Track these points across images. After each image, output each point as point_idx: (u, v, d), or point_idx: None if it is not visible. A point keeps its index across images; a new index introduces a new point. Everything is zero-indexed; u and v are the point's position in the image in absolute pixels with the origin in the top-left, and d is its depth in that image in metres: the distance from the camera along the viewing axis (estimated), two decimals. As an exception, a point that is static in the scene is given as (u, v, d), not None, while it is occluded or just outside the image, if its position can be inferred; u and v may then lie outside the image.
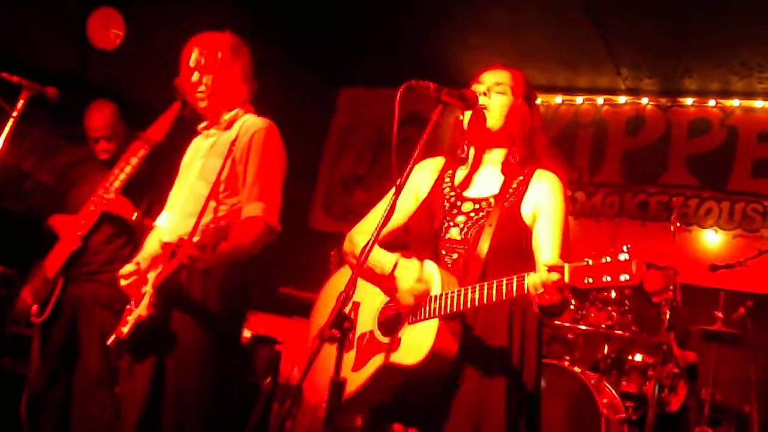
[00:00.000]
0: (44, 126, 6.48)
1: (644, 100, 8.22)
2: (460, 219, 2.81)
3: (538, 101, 3.03)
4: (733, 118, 7.83)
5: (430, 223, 2.84)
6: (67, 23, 6.44)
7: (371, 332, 2.76)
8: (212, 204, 3.43)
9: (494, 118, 2.83)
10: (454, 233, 2.79)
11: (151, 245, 3.64)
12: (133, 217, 4.43)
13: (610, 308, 5.73)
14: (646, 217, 7.81)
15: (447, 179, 2.95)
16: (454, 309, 2.52)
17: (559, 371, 5.40)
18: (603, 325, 5.72)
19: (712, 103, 7.93)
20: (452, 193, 2.89)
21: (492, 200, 2.80)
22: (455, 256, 2.76)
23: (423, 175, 2.99)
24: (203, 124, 3.70)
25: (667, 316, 5.36)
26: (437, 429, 2.65)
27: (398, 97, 2.45)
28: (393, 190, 2.46)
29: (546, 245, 2.68)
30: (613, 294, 5.68)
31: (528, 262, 2.67)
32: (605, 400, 5.27)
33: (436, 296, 2.57)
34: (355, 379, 2.68)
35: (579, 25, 6.97)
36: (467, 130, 2.88)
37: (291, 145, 3.64)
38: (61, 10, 6.41)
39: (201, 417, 3.35)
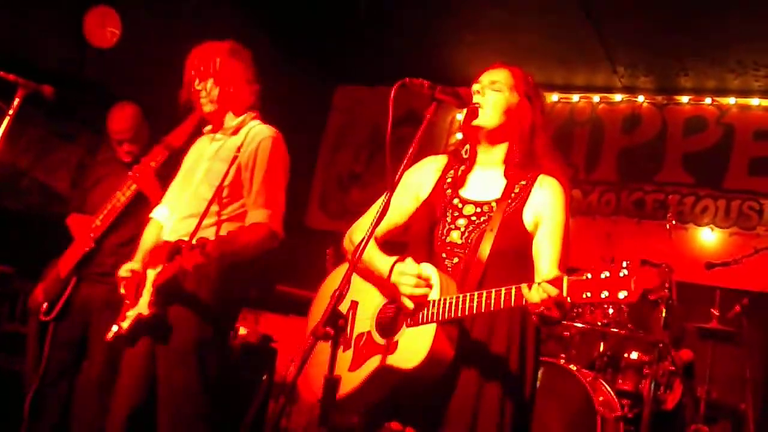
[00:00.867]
0: (40, 124, 6.47)
1: (640, 98, 8.22)
2: (462, 222, 2.80)
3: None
4: (729, 115, 7.84)
5: (430, 224, 2.83)
6: (64, 21, 6.43)
7: (369, 333, 2.75)
8: (215, 208, 3.48)
9: (487, 116, 2.82)
10: (455, 237, 2.78)
11: (148, 239, 3.67)
12: (149, 216, 4.42)
13: (605, 306, 5.73)
14: (643, 215, 7.82)
15: (449, 179, 2.93)
16: (452, 315, 2.51)
17: (555, 369, 5.40)
18: (599, 323, 5.72)
19: (708, 101, 7.94)
20: (454, 195, 2.88)
21: (494, 204, 2.79)
22: (456, 260, 2.75)
23: (424, 174, 2.97)
24: (208, 128, 3.75)
25: (663, 314, 5.37)
26: (433, 426, 2.65)
27: (392, 95, 2.44)
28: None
29: (546, 255, 2.67)
30: (611, 310, 5.68)
31: (528, 269, 2.68)
32: (601, 398, 5.28)
33: (434, 301, 2.56)
34: (352, 380, 2.67)
35: (575, 23, 6.98)
36: (462, 128, 2.88)
37: (288, 143, 3.67)
38: (57, 8, 6.40)
39: (192, 407, 3.39)
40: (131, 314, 3.43)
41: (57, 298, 4.53)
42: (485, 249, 2.70)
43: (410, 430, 2.71)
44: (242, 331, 5.68)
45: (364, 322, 2.79)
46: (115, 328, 3.50)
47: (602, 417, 5.15)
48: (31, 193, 6.61)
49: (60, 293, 4.54)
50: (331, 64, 8.95)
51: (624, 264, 2.16)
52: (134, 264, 3.54)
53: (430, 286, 2.59)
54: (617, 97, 8.33)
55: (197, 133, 3.97)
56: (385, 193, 2.46)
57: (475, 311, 2.46)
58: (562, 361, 5.51)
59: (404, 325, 2.64)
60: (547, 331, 5.92)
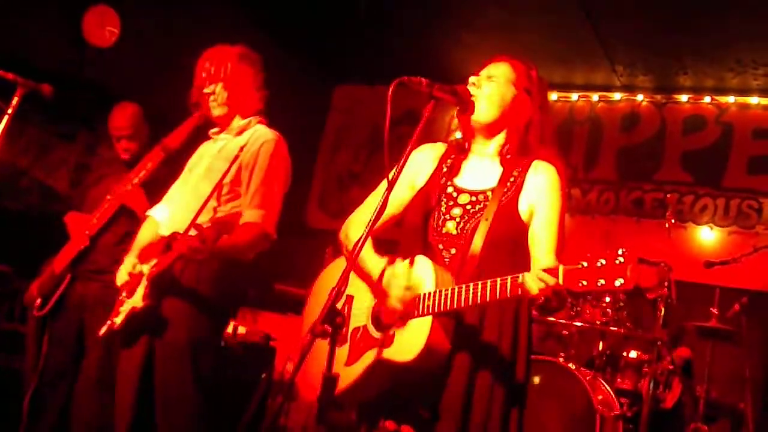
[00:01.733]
0: (39, 124, 6.48)
1: (639, 97, 8.23)
2: (457, 212, 2.79)
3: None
4: (728, 114, 7.84)
5: (425, 213, 2.83)
6: (63, 21, 6.43)
7: (365, 327, 2.75)
8: (212, 203, 3.49)
9: (480, 108, 2.81)
10: (451, 227, 2.77)
11: (144, 236, 3.68)
12: (145, 213, 4.44)
13: (605, 305, 5.73)
14: (641, 214, 7.82)
15: (445, 169, 2.92)
16: (448, 307, 2.51)
17: (554, 368, 5.40)
18: (598, 322, 5.72)
19: (707, 99, 7.94)
20: (449, 185, 2.87)
21: (489, 193, 2.79)
22: (453, 251, 2.75)
23: (421, 163, 2.95)
24: (215, 130, 3.79)
25: (662, 313, 5.37)
26: (428, 424, 2.65)
27: (390, 93, 2.43)
28: (386, 182, 2.45)
29: (542, 244, 2.67)
30: (608, 299, 5.68)
31: (524, 258, 2.68)
32: (600, 397, 5.28)
33: (430, 293, 2.55)
34: (348, 374, 2.67)
35: (574, 22, 6.98)
36: (460, 123, 2.88)
37: (287, 142, 3.68)
38: (56, 7, 6.41)
39: (186, 404, 3.40)
40: (125, 309, 3.44)
41: (51, 293, 4.54)
42: (480, 239, 2.69)
43: (406, 428, 2.71)
44: (241, 329, 5.68)
45: (360, 316, 2.78)
46: (107, 323, 3.50)
47: (601, 416, 5.15)
48: (30, 192, 6.62)
49: (54, 289, 4.55)
50: (330, 63, 8.95)
51: (620, 252, 2.16)
52: (130, 260, 3.54)
53: (416, 294, 2.59)
54: (616, 96, 8.33)
55: (195, 135, 3.99)
56: (383, 189, 2.46)
57: (471, 302, 2.46)
58: (561, 360, 5.51)
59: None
60: (545, 329, 5.93)
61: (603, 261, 2.18)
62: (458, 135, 2.96)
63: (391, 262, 2.72)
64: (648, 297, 6.42)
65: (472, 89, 2.81)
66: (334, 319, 2.24)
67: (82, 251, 4.54)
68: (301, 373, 2.29)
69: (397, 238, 2.95)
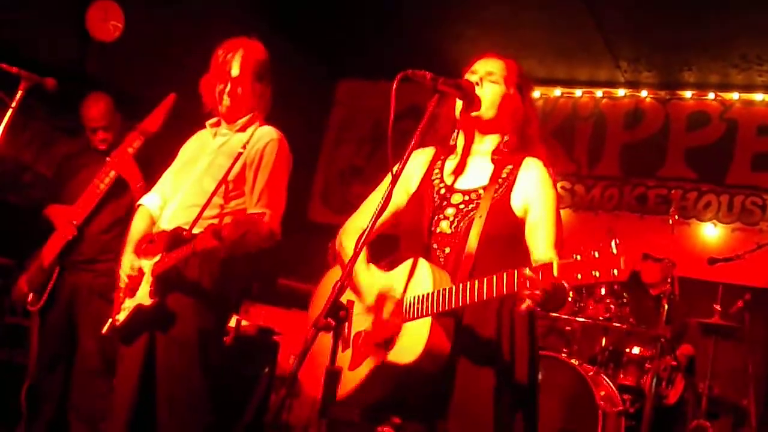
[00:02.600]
0: (43, 118, 6.48)
1: (643, 93, 8.21)
2: (450, 212, 2.78)
3: (537, 93, 3.02)
4: (733, 111, 7.83)
5: (420, 216, 2.82)
6: (67, 15, 6.43)
7: (366, 331, 2.74)
8: (218, 200, 3.49)
9: (485, 108, 2.80)
10: (444, 226, 2.76)
11: (137, 227, 3.66)
12: (138, 186, 4.43)
13: (608, 300, 5.73)
14: (645, 210, 7.82)
15: (437, 170, 2.92)
16: (447, 307, 2.50)
17: (556, 364, 5.41)
18: (601, 318, 5.72)
19: (711, 96, 7.92)
20: (442, 185, 2.86)
21: (481, 191, 2.78)
22: (447, 250, 2.74)
23: (413, 166, 2.95)
24: (213, 120, 3.75)
25: (666, 309, 5.37)
26: (433, 424, 2.66)
27: (394, 86, 2.42)
28: (387, 180, 2.45)
29: (541, 239, 2.66)
30: (603, 290, 5.68)
31: (520, 254, 2.67)
32: (603, 393, 5.28)
33: (428, 294, 2.54)
34: (352, 378, 2.66)
35: (578, 18, 6.97)
36: (459, 120, 2.87)
37: (290, 137, 3.67)
38: (60, 1, 6.41)
39: (193, 397, 3.40)
40: (128, 305, 3.42)
41: (41, 287, 4.56)
42: (475, 237, 2.68)
43: (412, 424, 2.70)
44: (244, 323, 5.69)
45: (362, 320, 2.77)
46: (110, 321, 3.49)
47: (604, 412, 5.15)
48: (33, 186, 6.62)
49: (44, 283, 4.56)
50: (333, 58, 8.94)
51: (613, 243, 2.14)
52: (131, 258, 3.54)
53: (399, 328, 2.60)
54: (620, 92, 8.32)
55: (172, 116, 3.96)
56: (381, 188, 2.44)
57: (468, 301, 2.45)
58: (564, 356, 5.52)
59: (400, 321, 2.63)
60: (548, 324, 5.93)
61: (597, 253, 2.16)
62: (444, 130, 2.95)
63: (387, 268, 2.73)
64: (651, 293, 6.42)
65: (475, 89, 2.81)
66: (338, 313, 2.23)
67: (69, 242, 4.54)
68: (304, 369, 2.28)
69: (395, 234, 2.95)
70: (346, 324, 2.66)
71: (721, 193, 7.66)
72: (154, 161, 4.09)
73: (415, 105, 4.10)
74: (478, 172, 2.85)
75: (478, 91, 2.79)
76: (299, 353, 2.20)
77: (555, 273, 2.23)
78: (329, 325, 2.22)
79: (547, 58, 7.84)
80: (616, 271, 2.12)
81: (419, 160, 2.97)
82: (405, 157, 2.50)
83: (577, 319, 5.72)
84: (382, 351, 2.62)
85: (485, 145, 2.89)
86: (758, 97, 7.75)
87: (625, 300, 5.76)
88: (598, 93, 8.41)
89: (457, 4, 7.18)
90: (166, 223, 3.55)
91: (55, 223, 4.64)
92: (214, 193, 3.47)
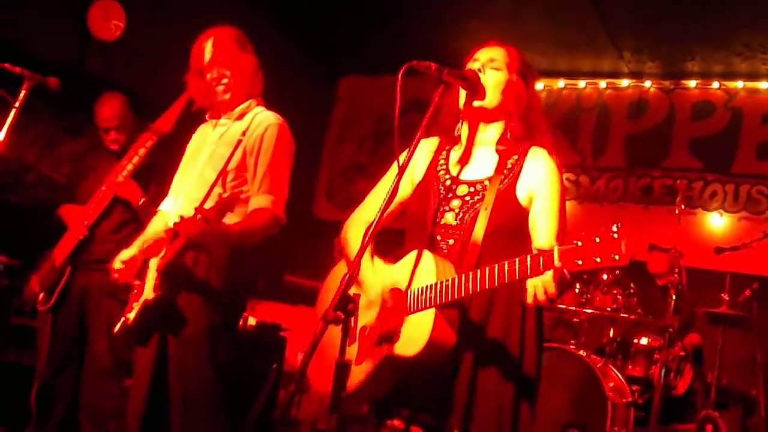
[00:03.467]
0: (46, 118, 6.48)
1: (647, 83, 8.19)
2: (455, 203, 2.78)
3: (540, 85, 3.01)
4: (737, 99, 7.80)
5: (425, 207, 2.81)
6: (68, 14, 6.43)
7: (371, 324, 2.74)
8: (218, 190, 3.47)
9: (488, 95, 2.80)
10: (450, 218, 2.76)
11: (152, 229, 3.67)
12: (140, 202, 4.44)
13: (615, 291, 5.72)
14: (650, 201, 7.79)
15: (442, 161, 2.91)
16: (450, 298, 2.48)
17: (564, 355, 5.40)
18: (608, 309, 5.71)
19: (715, 85, 7.90)
20: (447, 176, 2.86)
21: (487, 182, 2.77)
22: (451, 241, 2.73)
23: (418, 157, 2.93)
24: (212, 113, 3.74)
25: (673, 299, 5.35)
26: (440, 415, 2.65)
27: (400, 77, 2.41)
28: (392, 171, 2.44)
29: (542, 228, 2.65)
30: (605, 276, 5.66)
31: (525, 244, 2.66)
32: (611, 384, 5.27)
33: (432, 285, 2.53)
34: (359, 372, 2.66)
35: (580, 9, 6.95)
36: (463, 109, 2.85)
37: (294, 134, 3.66)
38: (61, 1, 6.40)
39: (206, 396, 3.40)
40: (138, 303, 3.43)
41: (53, 287, 4.56)
42: (480, 228, 2.68)
43: (415, 429, 2.70)
44: (251, 320, 5.69)
45: (366, 314, 2.78)
46: (121, 320, 3.50)
47: (612, 403, 5.14)
48: (36, 187, 6.62)
49: (56, 282, 4.56)
50: (335, 55, 8.92)
51: (614, 228, 2.13)
52: (130, 250, 3.54)
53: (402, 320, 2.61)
54: (624, 83, 8.30)
55: (185, 117, 3.96)
56: (386, 180, 2.44)
57: (471, 291, 2.44)
58: (572, 347, 5.51)
59: (404, 316, 2.62)
60: (556, 316, 5.92)
61: (597, 239, 2.15)
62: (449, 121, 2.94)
63: (392, 261, 2.72)
64: (658, 284, 6.41)
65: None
66: (346, 306, 2.22)
67: (80, 242, 4.55)
68: (312, 365, 2.27)
69: (400, 227, 2.94)
70: (352, 318, 2.66)
71: (727, 182, 7.64)
72: (164, 163, 4.08)
73: (418, 98, 4.08)
74: (484, 162, 2.84)
75: (480, 78, 2.79)
76: (308, 347, 2.19)
77: (556, 260, 2.21)
78: (338, 318, 2.21)
79: (550, 49, 7.82)
80: (617, 256, 2.12)
81: (423, 150, 2.96)
82: (411, 149, 2.49)
83: (585, 310, 5.71)
84: (387, 344, 2.62)
85: (490, 134, 2.88)
86: (763, 85, 7.72)
87: (632, 291, 5.75)
88: (602, 84, 8.39)
89: (458, -1, 7.17)
90: (174, 219, 3.55)
91: (67, 222, 4.65)
92: (214, 184, 3.45)
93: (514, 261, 2.33)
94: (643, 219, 7.66)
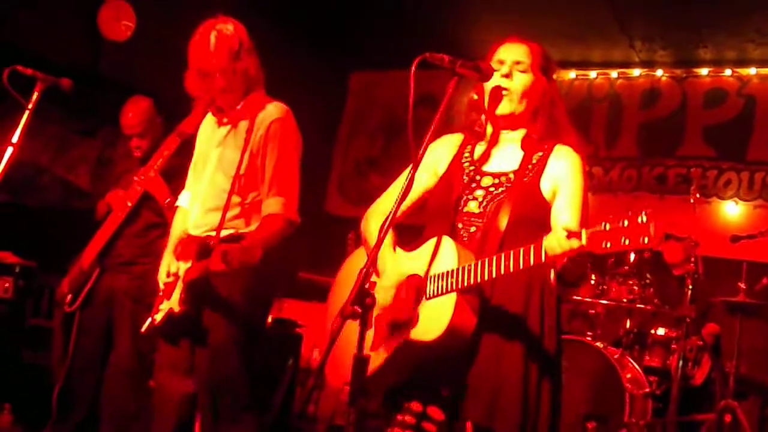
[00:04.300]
0: (59, 121, 6.50)
1: (659, 72, 8.13)
2: (479, 193, 2.79)
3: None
4: (750, 86, 7.73)
5: (448, 197, 2.82)
6: (78, 15, 6.44)
7: (388, 310, 2.74)
8: (236, 199, 3.49)
9: (516, 101, 2.82)
10: (473, 206, 2.77)
11: (177, 227, 3.71)
12: (166, 201, 4.44)
13: (631, 282, 5.70)
14: (665, 190, 7.74)
15: (466, 154, 2.93)
16: (471, 281, 2.50)
17: (581, 347, 5.38)
18: (624, 300, 5.70)
19: (728, 72, 7.83)
20: (471, 168, 2.87)
21: (511, 175, 2.79)
22: (472, 229, 2.74)
23: (442, 150, 2.97)
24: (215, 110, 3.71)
25: (690, 289, 5.33)
26: (456, 403, 2.65)
27: (413, 69, 2.42)
28: (410, 166, 2.44)
29: (565, 218, 2.65)
30: (633, 256, 5.64)
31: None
32: (629, 375, 5.26)
33: (452, 270, 2.55)
34: (375, 358, 2.65)
35: (590, -1, 6.92)
36: (488, 111, 2.86)
37: (304, 130, 3.65)
38: (72, 2, 6.42)
39: (234, 402, 3.45)
40: (164, 307, 3.46)
41: (81, 288, 4.58)
42: (503, 218, 2.69)
43: (432, 409, 2.70)
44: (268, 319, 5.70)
45: (384, 300, 2.76)
46: (149, 320, 3.52)
47: (630, 394, 5.13)
48: (50, 189, 6.65)
49: (83, 284, 4.58)
50: (345, 50, 8.91)
51: (642, 212, 2.15)
52: (169, 260, 3.57)
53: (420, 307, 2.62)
54: (635, 72, 8.24)
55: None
56: (407, 173, 2.44)
57: (494, 274, 2.45)
58: (589, 339, 5.49)
59: (424, 298, 2.63)
60: (572, 308, 5.90)
61: (626, 221, 2.17)
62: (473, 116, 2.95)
63: (411, 249, 2.73)
64: (674, 273, 6.37)
65: (504, 82, 2.81)
66: (364, 300, 2.22)
67: (107, 244, 4.56)
68: (328, 360, 2.28)
69: (422, 223, 2.94)
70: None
71: (742, 170, 7.58)
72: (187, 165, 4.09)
73: (429, 93, 4.07)
74: (508, 156, 2.86)
75: (507, 84, 2.80)
76: (327, 342, 2.20)
77: (584, 240, 2.23)
78: (356, 312, 2.21)
79: (560, 40, 7.76)
80: (646, 239, 2.13)
81: (447, 143, 2.99)
82: (427, 140, 2.48)
83: (601, 301, 5.70)
84: (404, 330, 2.63)
85: (515, 132, 2.89)
86: (776, 71, 7.66)
87: (648, 281, 5.73)
88: (613, 74, 8.33)
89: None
90: (193, 228, 3.59)
91: (112, 206, 4.66)
92: (231, 193, 3.47)
93: (540, 242, 2.35)
94: (657, 208, 7.50)
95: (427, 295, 2.62)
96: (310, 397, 4.68)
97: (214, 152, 3.63)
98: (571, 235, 2.28)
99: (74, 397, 4.61)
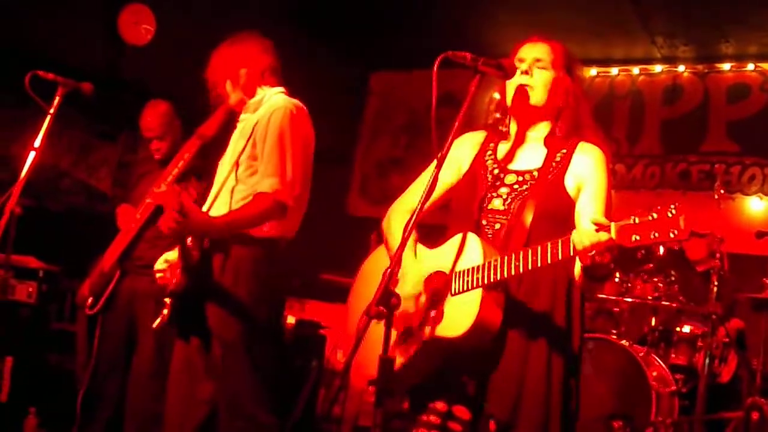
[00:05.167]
0: (80, 125, 6.54)
1: (681, 68, 8.08)
2: (503, 191, 2.79)
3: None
4: (773, 81, 7.68)
5: (472, 195, 2.82)
6: (98, 20, 6.48)
7: (412, 308, 2.72)
8: (230, 183, 3.55)
9: (538, 96, 2.82)
10: (497, 204, 2.77)
11: None
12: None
13: (656, 279, 5.66)
14: (688, 187, 7.69)
15: (489, 152, 2.93)
16: (498, 277, 2.50)
17: (606, 345, 5.35)
18: (649, 297, 5.65)
19: (750, 67, 7.76)
20: (495, 166, 2.87)
21: (536, 173, 2.79)
22: (497, 226, 2.74)
23: (465, 149, 2.96)
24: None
25: (716, 285, 5.28)
26: (480, 407, 2.64)
27: (435, 67, 2.42)
28: (434, 163, 2.44)
29: (590, 212, 2.64)
30: (662, 249, 5.60)
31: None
32: (655, 373, 5.22)
33: (478, 266, 2.55)
34: (399, 356, 2.65)
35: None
36: (511, 108, 2.85)
37: (326, 131, 3.66)
38: (91, 6, 6.45)
39: (249, 399, 3.44)
40: (167, 299, 3.51)
41: (102, 291, 4.60)
42: (528, 215, 2.69)
43: (458, 408, 2.69)
44: (290, 320, 5.70)
45: (408, 298, 2.76)
46: (160, 316, 3.54)
47: (656, 392, 5.09)
48: (72, 193, 6.69)
49: (104, 287, 4.59)
50: (365, 51, 8.91)
51: (671, 206, 2.16)
52: (173, 252, 3.58)
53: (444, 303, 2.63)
54: (657, 68, 8.19)
55: (229, 121, 4.00)
56: (430, 170, 2.44)
57: (522, 269, 2.45)
58: (614, 337, 5.45)
59: (449, 294, 2.62)
60: (596, 306, 5.86)
61: (654, 215, 2.18)
62: (497, 95, 2.95)
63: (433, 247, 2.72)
64: (698, 270, 6.32)
65: (525, 78, 2.81)
66: (389, 300, 2.21)
67: (128, 246, 4.58)
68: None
69: (444, 223, 2.93)
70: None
71: (766, 165, 7.51)
72: (209, 168, 4.11)
73: (450, 92, 4.05)
74: (532, 154, 2.85)
75: (528, 80, 2.80)
76: (351, 343, 2.19)
77: (613, 233, 2.23)
78: (381, 313, 2.20)
79: (581, 37, 7.71)
80: (675, 232, 2.14)
81: (470, 141, 2.98)
82: (451, 138, 2.48)
83: (625, 299, 5.66)
84: (429, 326, 2.62)
85: (539, 130, 2.89)
86: (799, 65, 7.59)
87: (673, 278, 5.68)
88: (635, 70, 8.29)
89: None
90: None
91: (120, 222, 4.69)
92: (227, 177, 3.54)
93: (568, 237, 2.35)
94: (682, 205, 7.54)
95: (453, 292, 2.61)
96: (336, 398, 4.67)
97: (230, 147, 3.72)
98: (600, 228, 2.27)
99: (99, 400, 4.62)
